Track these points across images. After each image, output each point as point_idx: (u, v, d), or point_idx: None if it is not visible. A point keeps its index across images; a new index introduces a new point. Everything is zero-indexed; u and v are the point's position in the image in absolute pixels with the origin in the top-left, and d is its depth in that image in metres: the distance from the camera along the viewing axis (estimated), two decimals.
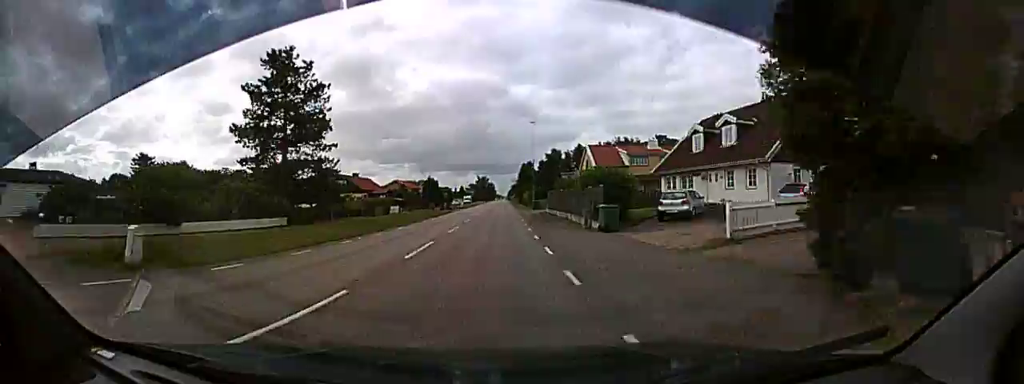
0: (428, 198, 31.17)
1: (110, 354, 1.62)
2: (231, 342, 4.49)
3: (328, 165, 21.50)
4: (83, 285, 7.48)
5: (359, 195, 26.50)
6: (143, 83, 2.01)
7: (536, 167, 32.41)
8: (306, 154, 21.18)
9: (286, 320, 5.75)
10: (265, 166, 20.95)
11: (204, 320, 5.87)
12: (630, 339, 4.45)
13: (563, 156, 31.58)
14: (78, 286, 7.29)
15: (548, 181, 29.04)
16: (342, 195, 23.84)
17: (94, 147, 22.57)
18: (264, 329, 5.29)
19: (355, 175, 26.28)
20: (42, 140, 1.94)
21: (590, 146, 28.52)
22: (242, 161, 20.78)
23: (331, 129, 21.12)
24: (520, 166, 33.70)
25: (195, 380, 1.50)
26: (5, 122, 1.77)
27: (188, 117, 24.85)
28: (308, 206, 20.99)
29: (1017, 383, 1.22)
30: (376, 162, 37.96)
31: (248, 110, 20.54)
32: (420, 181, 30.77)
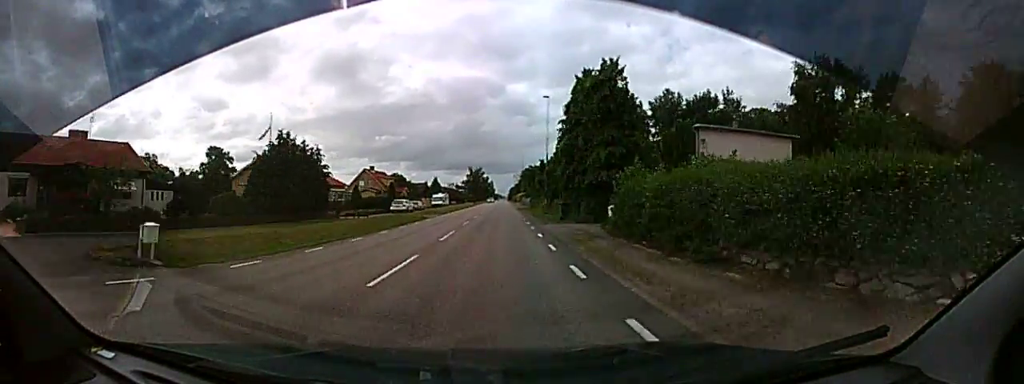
0: (299, 199, 14.83)
1: (110, 354, 1.62)
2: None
3: None
4: None
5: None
6: (142, 82, 2.01)
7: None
8: None
9: None
10: None
11: None
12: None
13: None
14: None
15: (673, 155, 11.84)
16: None
17: None
18: None
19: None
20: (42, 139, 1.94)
21: None
22: None
23: None
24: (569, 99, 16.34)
25: (195, 380, 1.50)
26: (6, 120, 1.77)
27: (183, 113, 24.27)
28: None
29: (1017, 383, 1.22)
30: (373, 160, 36.05)
31: None
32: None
